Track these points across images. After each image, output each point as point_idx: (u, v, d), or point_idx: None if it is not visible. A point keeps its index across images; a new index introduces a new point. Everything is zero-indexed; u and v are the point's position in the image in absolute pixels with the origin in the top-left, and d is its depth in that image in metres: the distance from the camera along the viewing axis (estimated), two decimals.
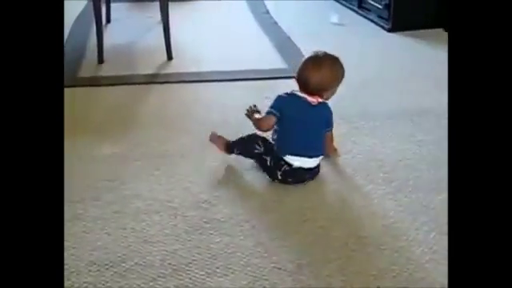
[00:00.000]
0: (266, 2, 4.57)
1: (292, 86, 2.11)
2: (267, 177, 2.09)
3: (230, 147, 2.17)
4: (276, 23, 4.08)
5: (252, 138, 2.13)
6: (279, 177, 2.05)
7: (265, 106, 2.13)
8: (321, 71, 2.03)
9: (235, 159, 2.22)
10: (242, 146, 2.14)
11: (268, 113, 2.08)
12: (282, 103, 2.07)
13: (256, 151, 2.10)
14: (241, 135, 2.17)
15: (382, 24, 3.98)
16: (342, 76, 2.09)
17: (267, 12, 4.37)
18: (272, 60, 3.36)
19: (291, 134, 2.06)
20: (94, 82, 3.05)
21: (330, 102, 2.12)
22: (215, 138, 2.22)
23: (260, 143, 2.10)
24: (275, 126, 2.09)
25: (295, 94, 2.07)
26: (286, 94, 2.08)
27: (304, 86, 2.05)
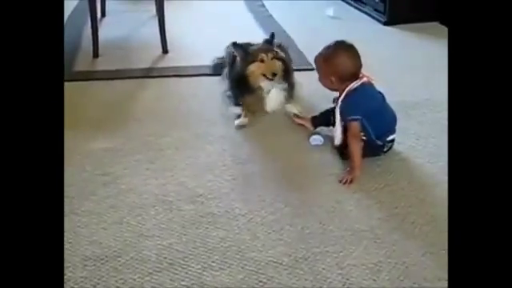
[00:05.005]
0: None
1: None
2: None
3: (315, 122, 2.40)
4: (271, 16, 4.07)
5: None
6: None
7: None
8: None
9: (231, 153, 2.21)
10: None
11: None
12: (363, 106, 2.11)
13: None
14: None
15: (377, 17, 3.98)
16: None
17: (263, 5, 4.36)
18: None
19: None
20: (89, 76, 3.04)
21: (325, 96, 2.10)
22: (301, 121, 2.45)
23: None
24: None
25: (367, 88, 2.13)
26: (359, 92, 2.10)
27: (357, 73, 2.11)
